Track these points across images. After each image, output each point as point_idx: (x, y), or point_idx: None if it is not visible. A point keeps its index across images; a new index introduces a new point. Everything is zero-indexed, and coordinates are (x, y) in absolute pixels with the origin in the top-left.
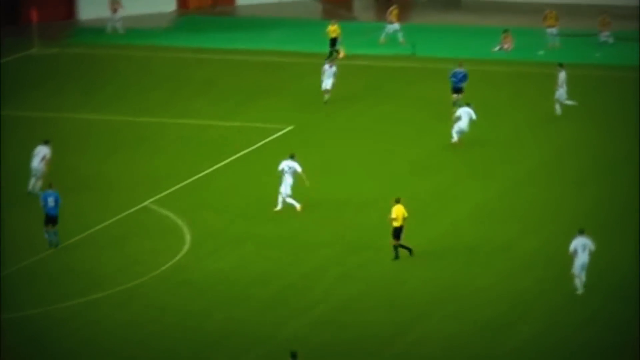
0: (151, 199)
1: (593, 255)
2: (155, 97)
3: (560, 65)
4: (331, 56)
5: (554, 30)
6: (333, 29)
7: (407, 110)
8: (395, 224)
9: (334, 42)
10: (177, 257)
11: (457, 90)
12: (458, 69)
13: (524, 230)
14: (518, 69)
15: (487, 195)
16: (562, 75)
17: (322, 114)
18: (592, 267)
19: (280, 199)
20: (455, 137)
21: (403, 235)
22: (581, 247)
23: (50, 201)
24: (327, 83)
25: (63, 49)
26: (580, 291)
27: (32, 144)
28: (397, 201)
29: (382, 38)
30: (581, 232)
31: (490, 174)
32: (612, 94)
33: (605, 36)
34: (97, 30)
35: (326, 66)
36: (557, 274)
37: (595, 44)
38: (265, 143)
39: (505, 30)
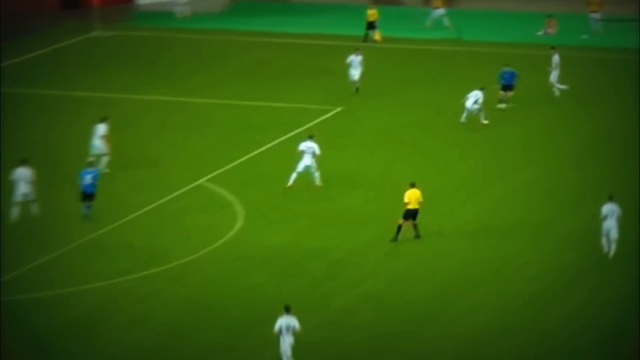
0: (205, 177)
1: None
2: (209, 79)
3: (553, 48)
4: (366, 39)
5: (597, 15)
6: (372, 13)
7: (452, 92)
8: (409, 207)
9: (371, 25)
10: (231, 233)
11: (506, 87)
12: (505, 69)
13: (564, 208)
14: (561, 53)
15: (528, 175)
16: (555, 58)
17: (369, 95)
18: (634, 244)
19: (293, 176)
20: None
21: (418, 218)
22: (610, 212)
23: (88, 179)
24: (355, 74)
25: (122, 32)
26: (606, 250)
27: (91, 122)
28: (412, 185)
29: (428, 23)
30: (610, 198)
31: (531, 155)
32: None
33: None
34: (154, 14)
35: (352, 56)
36: (597, 250)
37: (637, 29)
38: (315, 124)
39: (550, 15)
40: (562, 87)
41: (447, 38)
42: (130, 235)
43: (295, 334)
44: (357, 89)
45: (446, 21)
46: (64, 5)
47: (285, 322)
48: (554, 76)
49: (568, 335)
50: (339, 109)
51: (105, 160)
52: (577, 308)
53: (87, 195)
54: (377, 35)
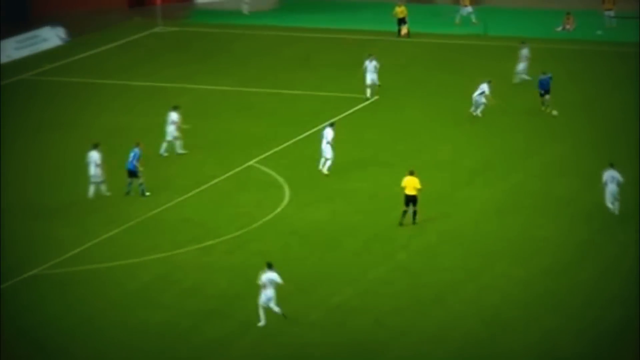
0: (255, 159)
1: None
2: (259, 70)
3: (523, 42)
4: (399, 33)
5: (611, 12)
6: (400, 10)
7: (478, 81)
8: (407, 192)
9: (402, 21)
10: (278, 210)
11: (545, 93)
12: (542, 77)
13: (584, 185)
14: (578, 47)
15: (554, 153)
16: (524, 52)
17: (402, 84)
18: None
19: (322, 161)
20: (473, 109)
21: (418, 204)
22: (610, 178)
23: (130, 157)
24: (369, 78)
25: (183, 28)
26: (612, 209)
27: (159, 110)
28: (411, 173)
29: (457, 20)
30: (611, 165)
31: (557, 136)
32: None
33: None
34: (211, 12)
35: (367, 62)
36: (614, 225)
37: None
38: (354, 111)
39: (568, 13)
40: (526, 77)
41: (474, 34)
42: (189, 211)
43: (277, 287)
44: (379, 86)
45: (473, 18)
46: (130, 3)
47: (268, 277)
48: (521, 67)
49: (580, 304)
50: (375, 97)
51: (179, 144)
52: (591, 279)
53: (129, 173)
54: (404, 29)
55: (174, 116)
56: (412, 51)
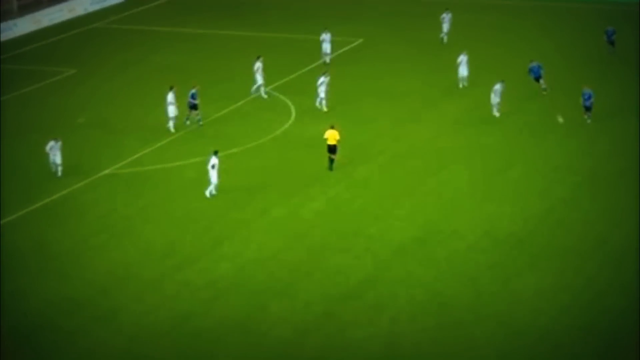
0: (271, 86)
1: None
2: (273, 19)
3: (447, 9)
4: None
5: None
6: None
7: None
8: (329, 142)
9: None
10: (285, 126)
11: (537, 79)
12: (533, 64)
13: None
14: None
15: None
16: (446, 17)
17: (389, 29)
18: None
19: (323, 103)
20: (460, 84)
21: (338, 151)
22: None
23: (189, 96)
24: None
25: None
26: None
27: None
28: (332, 127)
29: None
30: (502, 81)
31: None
32: None
33: None
34: None
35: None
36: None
37: None
38: (343, 51)
39: None
40: (445, 38)
41: None
42: (219, 127)
43: (218, 170)
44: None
45: None
46: None
47: (213, 161)
48: (444, 28)
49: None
50: (360, 40)
51: (262, 89)
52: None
53: (190, 106)
54: None
55: (258, 63)
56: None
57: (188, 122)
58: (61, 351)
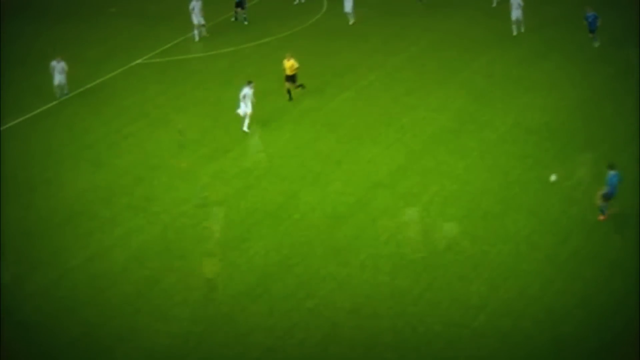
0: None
1: None
2: None
3: None
4: None
5: None
6: None
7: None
8: (287, 73)
9: None
10: (317, 16)
11: (592, 31)
12: (589, 13)
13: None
14: None
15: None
16: None
17: None
18: None
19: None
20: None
21: (297, 80)
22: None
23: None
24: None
25: None
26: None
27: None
28: (288, 59)
29: None
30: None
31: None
32: None
33: None
34: None
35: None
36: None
37: None
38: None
39: None
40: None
41: None
42: (246, 62)
43: (252, 101)
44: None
45: None
46: None
47: (246, 91)
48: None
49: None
50: None
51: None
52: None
53: (237, 4)
54: None
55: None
56: None
57: (238, 18)
58: (99, 236)
